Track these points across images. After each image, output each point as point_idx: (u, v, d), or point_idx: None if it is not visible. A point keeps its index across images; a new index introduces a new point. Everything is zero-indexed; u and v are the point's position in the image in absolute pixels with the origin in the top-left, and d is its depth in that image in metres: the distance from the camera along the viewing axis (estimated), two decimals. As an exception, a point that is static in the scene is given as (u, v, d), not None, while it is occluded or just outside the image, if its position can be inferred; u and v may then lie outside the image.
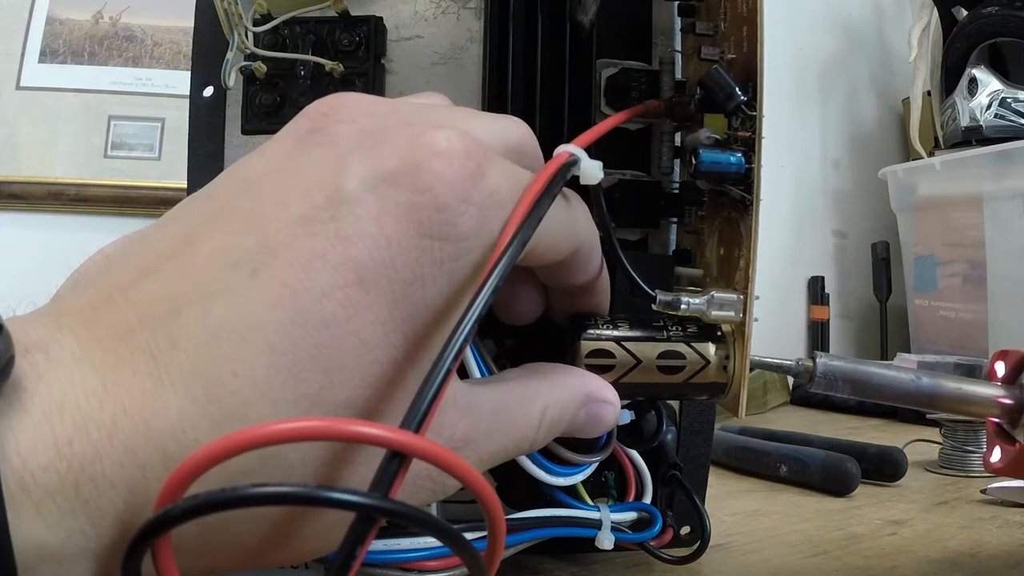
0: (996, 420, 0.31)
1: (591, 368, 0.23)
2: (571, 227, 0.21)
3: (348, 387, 0.17)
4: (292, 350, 0.16)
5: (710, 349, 0.24)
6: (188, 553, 0.16)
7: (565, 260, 0.22)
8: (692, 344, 0.24)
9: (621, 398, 0.23)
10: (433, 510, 0.27)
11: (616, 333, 0.24)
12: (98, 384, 0.16)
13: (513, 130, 0.22)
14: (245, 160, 0.20)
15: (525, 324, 0.25)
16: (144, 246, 0.18)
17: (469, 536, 0.19)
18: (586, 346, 0.23)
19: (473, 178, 0.18)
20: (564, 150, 0.21)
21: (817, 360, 0.28)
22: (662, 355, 0.24)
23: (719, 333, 0.24)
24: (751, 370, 0.24)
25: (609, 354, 0.24)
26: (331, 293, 0.17)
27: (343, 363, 0.17)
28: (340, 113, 0.19)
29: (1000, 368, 0.32)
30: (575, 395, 0.22)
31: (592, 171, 0.21)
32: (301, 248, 0.17)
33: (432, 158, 0.18)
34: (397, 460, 0.15)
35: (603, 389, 0.22)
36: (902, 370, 0.29)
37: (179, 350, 0.16)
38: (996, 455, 0.32)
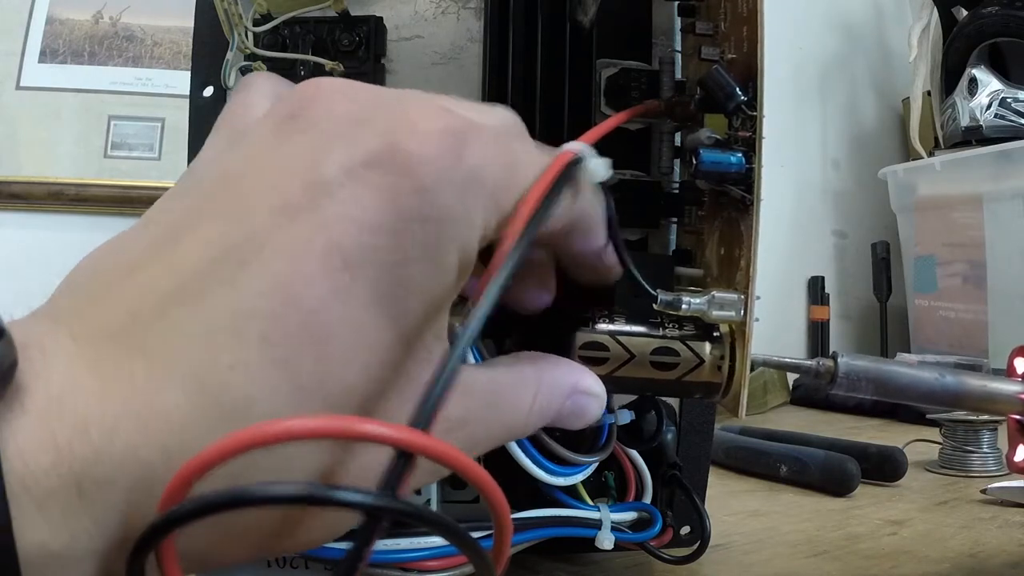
0: (1018, 417, 0.30)
1: (584, 360, 0.23)
2: (571, 206, 0.21)
3: (344, 373, 0.17)
4: (285, 340, 0.16)
5: (705, 348, 0.24)
6: (191, 545, 0.16)
7: (564, 229, 0.21)
8: (687, 342, 0.24)
9: (614, 392, 0.23)
10: (433, 508, 0.27)
11: (612, 327, 0.24)
12: (96, 384, 0.16)
13: (505, 119, 0.21)
14: (225, 153, 0.20)
15: (532, 313, 0.24)
16: (131, 244, 0.18)
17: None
18: (580, 338, 0.24)
19: (452, 158, 0.18)
20: (569, 148, 0.21)
21: (839, 360, 0.27)
22: (656, 351, 0.24)
23: (716, 333, 0.24)
24: (760, 369, 0.24)
25: (603, 347, 0.24)
26: (318, 280, 0.17)
27: (337, 350, 0.17)
28: (320, 98, 0.19)
29: (1020, 364, 0.31)
30: (563, 384, 0.22)
31: (599, 169, 0.21)
32: (285, 237, 0.17)
33: (409, 138, 0.18)
34: (404, 459, 0.15)
35: (590, 382, 0.22)
36: (924, 368, 0.28)
37: (172, 347, 0.16)
38: (1020, 454, 0.31)
